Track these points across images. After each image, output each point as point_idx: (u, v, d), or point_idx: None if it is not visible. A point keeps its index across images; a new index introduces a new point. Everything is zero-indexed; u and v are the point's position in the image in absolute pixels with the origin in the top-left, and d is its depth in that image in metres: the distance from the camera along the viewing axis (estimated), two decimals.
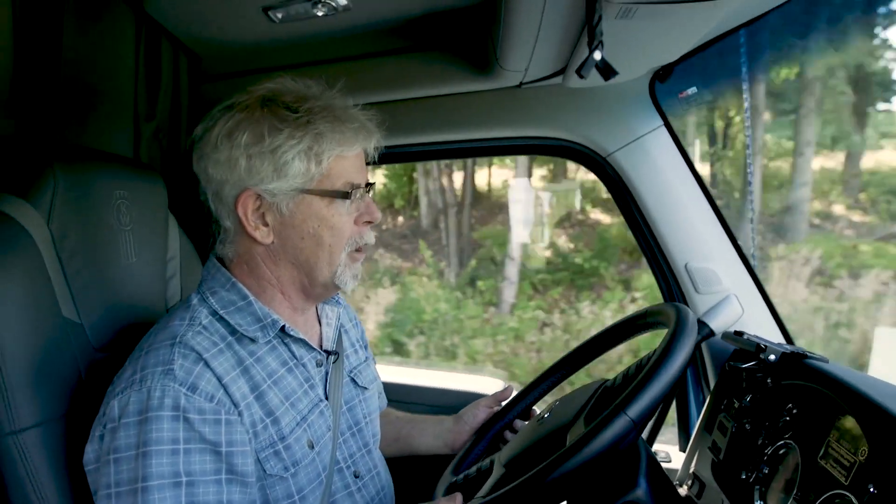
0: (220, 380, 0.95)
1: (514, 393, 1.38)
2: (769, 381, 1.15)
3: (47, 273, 1.08)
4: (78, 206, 1.15)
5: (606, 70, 0.90)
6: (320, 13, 1.40)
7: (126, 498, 0.87)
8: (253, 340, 1.02)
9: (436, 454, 1.40)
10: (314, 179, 1.01)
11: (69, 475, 1.03)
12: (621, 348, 1.33)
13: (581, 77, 0.90)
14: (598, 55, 0.88)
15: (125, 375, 0.96)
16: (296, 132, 0.99)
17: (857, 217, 6.61)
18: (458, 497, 1.02)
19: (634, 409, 0.86)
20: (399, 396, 1.65)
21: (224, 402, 0.94)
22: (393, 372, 1.92)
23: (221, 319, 1.02)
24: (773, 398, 1.14)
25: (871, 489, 0.84)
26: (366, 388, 1.24)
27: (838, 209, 6.67)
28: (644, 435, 1.47)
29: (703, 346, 1.53)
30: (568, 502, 1.06)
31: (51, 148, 1.25)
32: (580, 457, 0.85)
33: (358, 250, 1.08)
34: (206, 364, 0.95)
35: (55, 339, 1.07)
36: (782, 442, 1.07)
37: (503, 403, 1.38)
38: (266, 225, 1.03)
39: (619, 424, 0.86)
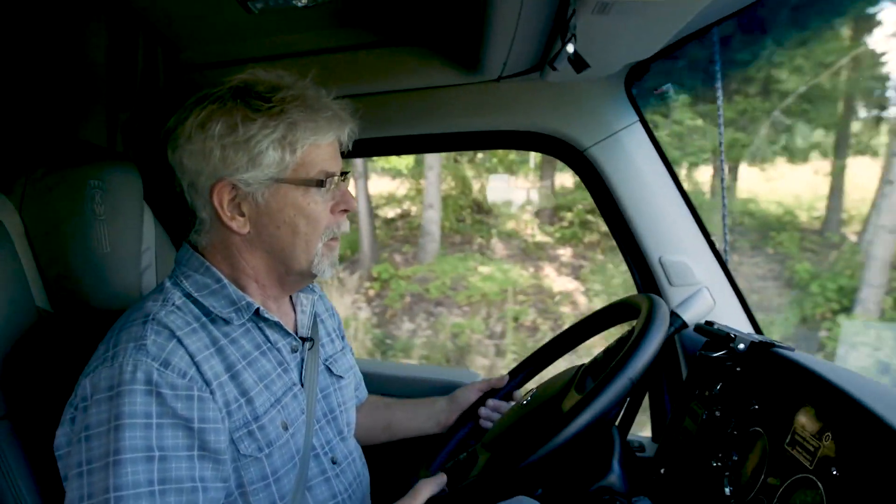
0: (192, 357, 0.95)
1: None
2: (738, 369, 1.18)
3: (20, 262, 1.06)
4: (51, 195, 1.14)
5: (578, 63, 0.91)
6: (300, 3, 1.39)
7: (98, 474, 0.86)
8: (227, 322, 1.03)
9: (426, 435, 1.42)
10: (289, 168, 1.01)
11: (41, 466, 1.02)
12: (592, 340, 1.37)
13: (553, 69, 0.92)
14: (570, 48, 0.89)
15: (97, 354, 0.95)
16: (269, 122, 0.99)
17: None
18: (443, 476, 1.03)
19: (633, 369, 0.92)
20: (383, 387, 1.66)
21: (196, 380, 0.94)
22: (376, 364, 1.93)
23: (196, 302, 1.02)
24: (743, 387, 1.17)
25: (834, 472, 0.87)
26: (341, 377, 1.25)
27: None
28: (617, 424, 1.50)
29: (676, 338, 1.56)
30: (544, 490, 1.08)
31: (23, 137, 1.23)
32: (590, 412, 0.89)
33: (333, 238, 1.09)
34: (179, 341, 0.95)
35: (28, 328, 1.05)
36: (751, 429, 1.10)
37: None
38: (242, 215, 1.03)
39: (620, 382, 0.91)
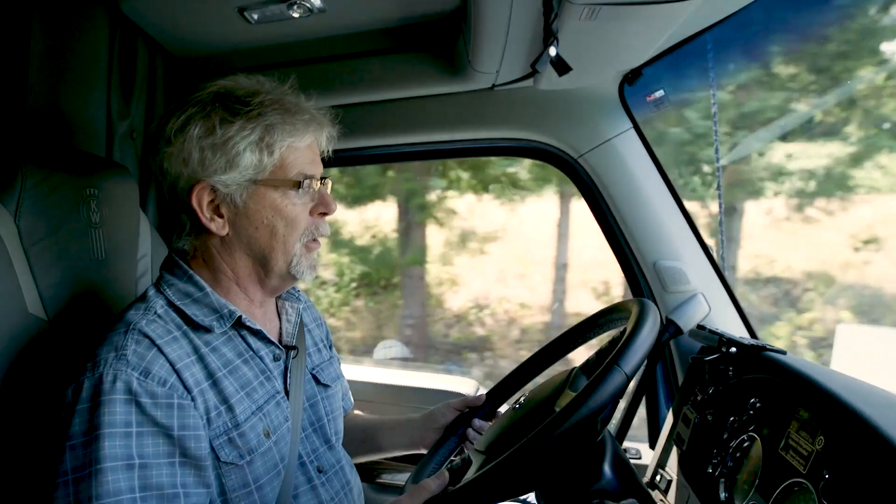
0: (173, 365, 0.96)
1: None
2: (731, 372, 1.17)
3: (13, 268, 1.07)
4: (46, 202, 1.14)
5: (561, 66, 0.92)
6: (296, 14, 1.41)
7: (82, 483, 0.87)
8: (209, 330, 1.03)
9: (405, 454, 1.40)
10: (266, 170, 1.03)
11: (30, 472, 1.02)
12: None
13: (536, 71, 0.93)
14: (552, 51, 0.90)
15: (80, 364, 0.96)
16: (247, 124, 1.01)
17: None
18: (444, 475, 1.02)
19: (627, 363, 0.90)
20: (369, 396, 1.66)
21: (177, 387, 0.94)
22: (363, 372, 1.93)
23: (177, 310, 1.03)
24: (737, 391, 1.17)
25: (826, 475, 0.86)
26: (328, 386, 1.25)
27: None
28: (613, 431, 1.49)
29: (672, 344, 1.56)
30: (537, 495, 1.08)
31: (20, 144, 1.25)
32: (585, 409, 0.87)
33: (313, 240, 1.10)
34: (160, 350, 0.96)
35: (20, 336, 1.06)
36: (746, 435, 1.10)
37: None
38: (221, 217, 1.04)
39: (616, 377, 0.89)
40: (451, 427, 1.35)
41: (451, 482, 1.05)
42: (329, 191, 1.12)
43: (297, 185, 1.04)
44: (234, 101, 1.02)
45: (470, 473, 1.04)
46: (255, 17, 1.44)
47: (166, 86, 1.70)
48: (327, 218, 1.12)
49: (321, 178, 1.09)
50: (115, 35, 1.51)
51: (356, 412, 1.50)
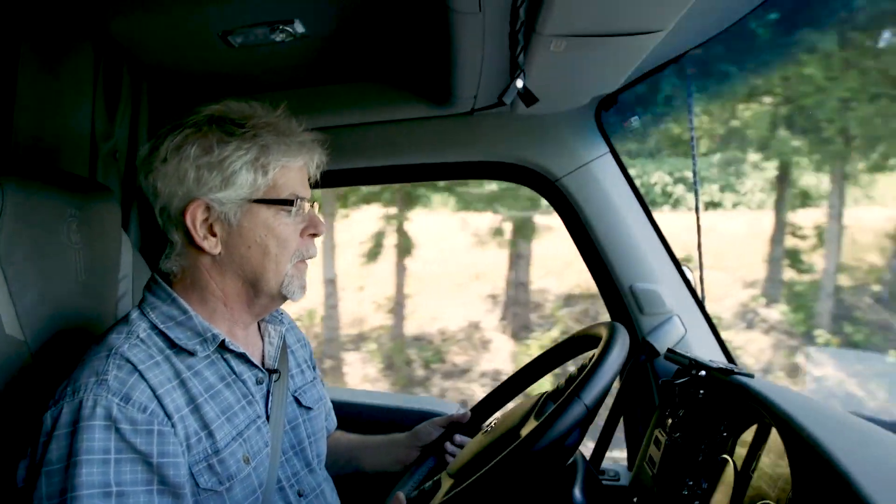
0: (154, 391, 0.95)
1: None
2: (701, 394, 1.19)
3: None
4: (26, 222, 1.15)
5: (528, 97, 0.95)
6: (278, 38, 1.44)
7: None
8: (191, 353, 1.03)
9: (388, 472, 1.40)
10: (260, 190, 1.05)
11: (3, 497, 1.01)
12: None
13: (503, 104, 0.95)
14: (519, 83, 0.93)
15: (60, 389, 0.96)
16: (243, 144, 1.03)
17: None
18: (401, 496, 1.03)
19: (588, 395, 0.92)
20: (353, 416, 1.66)
21: (157, 413, 0.94)
22: (346, 393, 1.93)
23: (161, 334, 1.03)
24: (708, 414, 1.18)
25: (790, 496, 0.88)
26: (310, 409, 1.24)
27: None
28: (588, 454, 1.50)
29: (649, 366, 1.57)
30: None
31: (3, 164, 1.25)
32: (545, 440, 0.89)
33: (302, 261, 1.11)
34: (141, 375, 0.95)
35: None
36: (719, 457, 1.11)
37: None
38: (214, 235, 1.05)
39: (576, 409, 0.91)
40: (433, 445, 1.36)
41: None
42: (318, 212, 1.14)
43: (290, 204, 1.06)
44: (229, 122, 1.05)
45: (435, 500, 1.05)
46: (238, 41, 1.46)
47: (151, 109, 1.72)
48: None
49: (311, 203, 1.11)
50: (100, 57, 1.53)
51: (339, 433, 1.49)
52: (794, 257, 6.49)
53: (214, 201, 1.03)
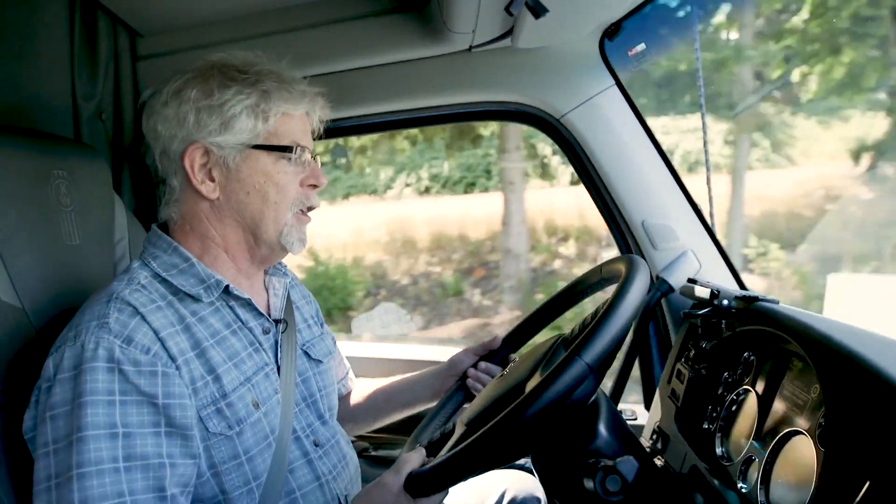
0: (156, 333, 0.95)
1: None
2: (724, 325, 1.16)
3: None
4: (13, 186, 1.11)
5: (538, 7, 0.88)
6: None
7: (63, 453, 0.86)
8: (196, 299, 1.03)
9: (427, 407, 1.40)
10: (260, 136, 1.04)
11: (10, 458, 1.00)
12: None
13: (510, 14, 0.89)
14: None
15: (61, 336, 0.95)
16: (244, 89, 1.03)
17: None
18: (422, 451, 1.02)
19: (589, 354, 0.85)
20: (369, 372, 1.64)
21: (160, 355, 0.93)
22: (361, 348, 1.91)
23: (164, 281, 1.03)
24: (730, 344, 1.16)
25: (822, 422, 0.85)
26: (320, 361, 1.24)
27: None
28: (608, 393, 1.48)
29: (663, 302, 1.54)
30: (531, 458, 1.07)
31: None
32: (538, 404, 0.84)
33: (303, 212, 1.10)
34: (143, 318, 0.95)
35: None
36: (741, 387, 1.09)
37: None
38: (212, 180, 1.05)
39: (574, 369, 0.85)
40: (465, 377, 1.35)
41: (432, 453, 1.04)
42: (319, 165, 1.13)
43: (290, 151, 1.06)
44: (231, 68, 1.05)
45: (444, 450, 1.03)
46: None
47: (135, 66, 1.64)
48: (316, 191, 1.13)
49: (312, 156, 1.11)
50: (73, 11, 1.45)
51: (366, 379, 1.49)
52: None
53: (213, 145, 1.03)
